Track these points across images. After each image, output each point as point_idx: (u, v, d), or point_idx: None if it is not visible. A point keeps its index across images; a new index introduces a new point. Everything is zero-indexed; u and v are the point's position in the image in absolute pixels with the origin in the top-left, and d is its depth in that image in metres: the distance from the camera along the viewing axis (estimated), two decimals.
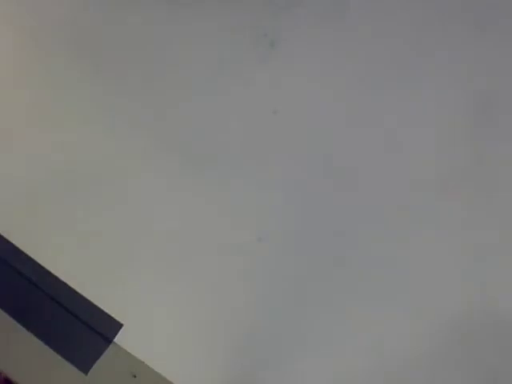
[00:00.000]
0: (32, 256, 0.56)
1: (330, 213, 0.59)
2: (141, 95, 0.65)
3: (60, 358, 0.50)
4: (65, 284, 0.53)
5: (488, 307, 0.53)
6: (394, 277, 0.55)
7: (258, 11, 0.69)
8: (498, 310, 0.53)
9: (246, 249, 0.56)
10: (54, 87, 0.69)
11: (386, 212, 0.58)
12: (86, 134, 0.66)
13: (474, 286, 0.55)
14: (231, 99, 0.64)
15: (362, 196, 0.60)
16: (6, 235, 0.57)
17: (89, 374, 0.50)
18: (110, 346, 0.50)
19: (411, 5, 0.69)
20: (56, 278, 0.53)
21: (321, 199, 0.60)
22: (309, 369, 0.51)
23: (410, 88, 0.64)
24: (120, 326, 0.51)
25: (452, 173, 0.59)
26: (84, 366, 0.49)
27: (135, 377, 0.49)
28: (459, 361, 0.51)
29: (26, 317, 0.51)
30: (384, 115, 0.62)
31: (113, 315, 0.52)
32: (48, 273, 0.54)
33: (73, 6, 0.74)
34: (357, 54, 0.66)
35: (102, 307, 0.53)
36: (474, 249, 0.56)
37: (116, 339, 0.51)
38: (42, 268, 0.54)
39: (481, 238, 0.56)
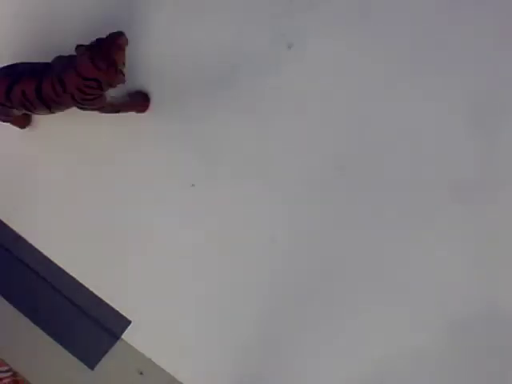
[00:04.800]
0: (44, 253, 0.56)
1: (342, 213, 0.59)
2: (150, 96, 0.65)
3: (67, 352, 0.50)
4: (75, 280, 0.53)
5: (488, 307, 0.53)
6: (395, 277, 0.55)
7: (276, 11, 0.67)
8: (499, 310, 0.53)
9: (259, 249, 0.56)
10: None
11: (389, 213, 0.58)
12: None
13: (475, 286, 0.55)
14: (245, 100, 0.63)
15: (373, 197, 0.59)
16: (19, 232, 0.57)
17: (95, 369, 0.50)
18: (118, 342, 0.50)
19: (417, 7, 0.66)
20: (66, 275, 0.54)
21: (333, 200, 0.60)
22: (315, 368, 0.51)
23: (423, 89, 0.62)
24: (128, 322, 0.51)
25: (454, 173, 0.59)
26: (90, 361, 0.50)
27: (142, 374, 0.49)
28: (459, 361, 0.52)
29: (34, 312, 0.52)
30: (398, 116, 0.61)
31: (121, 312, 0.52)
32: (59, 269, 0.54)
33: None
34: (375, 55, 0.64)
35: (110, 304, 0.53)
36: (474, 249, 0.56)
37: (124, 336, 0.51)
38: (53, 264, 0.54)
39: (481, 239, 0.56)
